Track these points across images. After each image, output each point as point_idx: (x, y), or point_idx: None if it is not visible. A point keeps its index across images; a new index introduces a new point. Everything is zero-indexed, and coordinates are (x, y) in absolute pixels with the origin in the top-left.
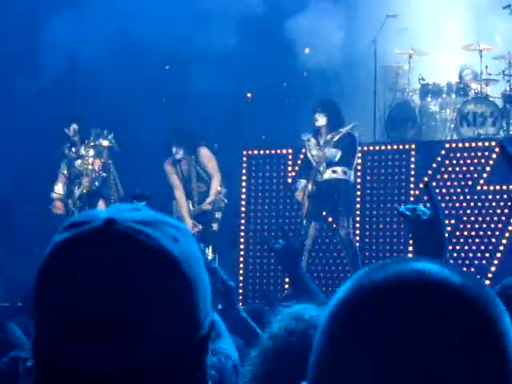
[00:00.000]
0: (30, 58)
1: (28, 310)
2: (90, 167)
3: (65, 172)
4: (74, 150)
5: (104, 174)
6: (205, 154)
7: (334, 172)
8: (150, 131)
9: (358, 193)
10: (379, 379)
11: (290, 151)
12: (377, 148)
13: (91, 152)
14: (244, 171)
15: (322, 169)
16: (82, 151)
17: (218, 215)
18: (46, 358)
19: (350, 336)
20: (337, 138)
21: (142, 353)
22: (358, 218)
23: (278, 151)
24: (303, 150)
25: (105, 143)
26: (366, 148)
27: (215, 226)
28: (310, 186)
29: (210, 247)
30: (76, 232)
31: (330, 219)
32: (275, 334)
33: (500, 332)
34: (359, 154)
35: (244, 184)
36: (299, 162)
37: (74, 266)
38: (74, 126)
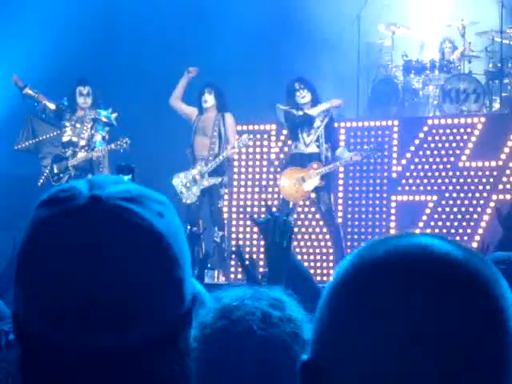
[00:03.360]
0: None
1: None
2: (90, 138)
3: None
4: (74, 117)
5: (109, 147)
6: (230, 120)
7: (318, 147)
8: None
9: (341, 169)
10: (381, 351)
11: (274, 127)
12: (360, 124)
13: (88, 124)
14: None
15: (307, 140)
16: (78, 124)
17: (222, 192)
18: (31, 340)
19: (353, 309)
20: (322, 115)
21: (130, 332)
22: (340, 194)
23: (262, 127)
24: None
25: (104, 119)
26: (349, 124)
27: (221, 203)
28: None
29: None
30: (59, 210)
31: (312, 195)
32: (208, 335)
33: (501, 306)
34: (342, 130)
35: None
36: (282, 137)
37: (58, 246)
38: (88, 88)
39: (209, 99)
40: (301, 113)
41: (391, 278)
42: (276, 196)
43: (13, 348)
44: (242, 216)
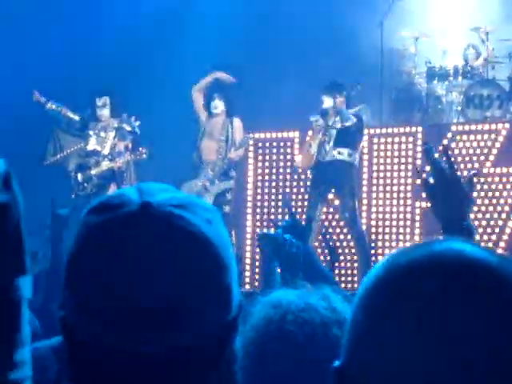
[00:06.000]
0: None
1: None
2: (113, 147)
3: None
4: (98, 126)
5: (129, 158)
6: (239, 125)
7: (339, 153)
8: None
9: (365, 175)
10: (416, 354)
11: (297, 134)
12: (383, 130)
13: (111, 133)
14: (250, 154)
15: (327, 148)
16: (102, 132)
17: (229, 197)
18: (81, 341)
19: (387, 312)
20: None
21: (180, 336)
22: (364, 201)
23: (285, 134)
24: (309, 133)
25: (127, 128)
26: (372, 130)
27: (227, 209)
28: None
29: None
30: (111, 216)
31: (336, 202)
32: (255, 325)
33: None
34: (365, 137)
35: (250, 167)
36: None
37: (110, 252)
38: (106, 99)
39: (219, 105)
40: (320, 121)
41: (427, 282)
42: (300, 204)
43: None
44: (265, 224)
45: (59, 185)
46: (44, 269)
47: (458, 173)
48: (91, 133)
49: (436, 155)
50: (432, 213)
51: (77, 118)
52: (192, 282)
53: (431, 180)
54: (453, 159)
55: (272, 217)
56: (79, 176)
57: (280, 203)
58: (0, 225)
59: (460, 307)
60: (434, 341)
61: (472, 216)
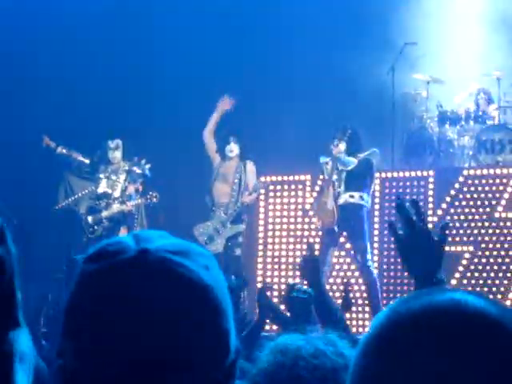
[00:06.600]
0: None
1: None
2: (123, 190)
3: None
4: (109, 168)
5: (139, 201)
6: (251, 169)
7: (351, 197)
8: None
9: (376, 219)
10: None
11: (308, 177)
12: (395, 174)
13: (122, 176)
14: (261, 197)
15: (339, 191)
16: (112, 175)
17: (241, 239)
18: None
19: (387, 362)
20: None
21: (180, 379)
22: (376, 245)
23: (296, 177)
24: (321, 176)
25: (137, 170)
26: (384, 174)
27: (239, 251)
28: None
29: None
30: (109, 263)
31: (348, 245)
32: (264, 370)
33: None
34: (377, 181)
35: (261, 210)
36: (317, 187)
37: (109, 300)
38: (118, 141)
39: (234, 149)
40: (329, 164)
41: (424, 335)
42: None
43: None
44: (276, 267)
45: (74, 229)
46: (54, 314)
47: (430, 225)
48: (102, 176)
49: (407, 209)
50: (404, 269)
51: (87, 161)
52: (191, 328)
53: (401, 233)
54: (423, 210)
55: (283, 259)
56: (90, 219)
57: (291, 246)
58: None
59: (458, 360)
60: None
61: (484, 260)
